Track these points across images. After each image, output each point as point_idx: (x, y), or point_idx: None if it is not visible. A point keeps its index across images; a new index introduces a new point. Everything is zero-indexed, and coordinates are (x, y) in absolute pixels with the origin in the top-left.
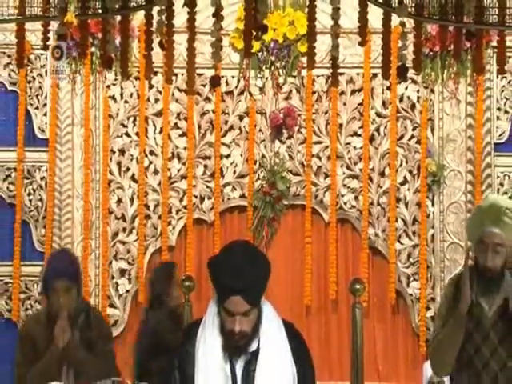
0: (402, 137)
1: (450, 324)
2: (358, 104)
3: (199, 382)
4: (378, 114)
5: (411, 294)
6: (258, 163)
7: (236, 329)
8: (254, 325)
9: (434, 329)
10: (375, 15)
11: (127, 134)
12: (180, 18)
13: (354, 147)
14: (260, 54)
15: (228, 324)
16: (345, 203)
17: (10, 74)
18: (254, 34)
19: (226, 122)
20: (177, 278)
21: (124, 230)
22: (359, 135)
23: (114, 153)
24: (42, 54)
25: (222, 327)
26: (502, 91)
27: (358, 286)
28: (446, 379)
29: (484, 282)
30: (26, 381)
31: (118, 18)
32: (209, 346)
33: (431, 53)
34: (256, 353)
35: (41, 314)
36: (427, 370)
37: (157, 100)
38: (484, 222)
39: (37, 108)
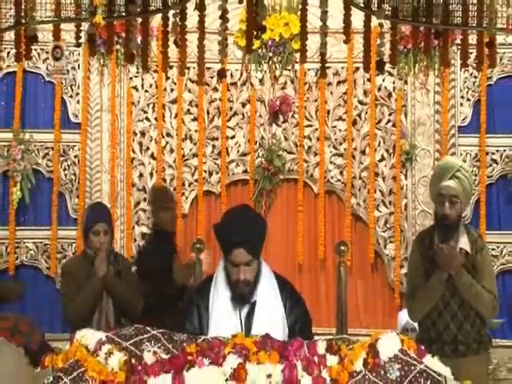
0: (380, 121)
1: (430, 284)
2: (343, 93)
3: (213, 330)
4: (360, 102)
5: (387, 255)
6: (258, 143)
7: (241, 277)
8: (255, 274)
9: (409, 279)
10: (357, 17)
11: (147, 119)
12: (192, 19)
13: (339, 130)
14: (259, 50)
15: (234, 274)
16: (331, 177)
17: (47, 67)
18: (255, 33)
19: (231, 109)
20: None
21: (145, 199)
22: (344, 119)
23: (136, 134)
24: (74, 51)
25: (229, 279)
26: (465, 82)
27: (342, 248)
28: (416, 324)
29: (443, 230)
30: (72, 308)
31: (139, 20)
32: (220, 298)
33: (405, 49)
34: (254, 303)
35: (80, 255)
36: (401, 318)
37: (172, 90)
38: (442, 177)
39: (71, 96)
